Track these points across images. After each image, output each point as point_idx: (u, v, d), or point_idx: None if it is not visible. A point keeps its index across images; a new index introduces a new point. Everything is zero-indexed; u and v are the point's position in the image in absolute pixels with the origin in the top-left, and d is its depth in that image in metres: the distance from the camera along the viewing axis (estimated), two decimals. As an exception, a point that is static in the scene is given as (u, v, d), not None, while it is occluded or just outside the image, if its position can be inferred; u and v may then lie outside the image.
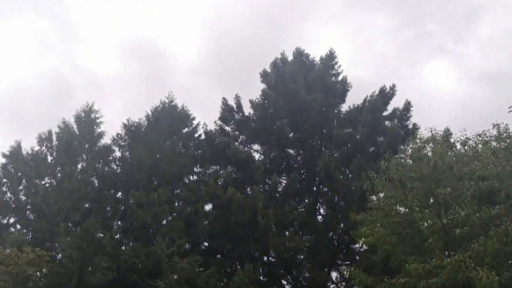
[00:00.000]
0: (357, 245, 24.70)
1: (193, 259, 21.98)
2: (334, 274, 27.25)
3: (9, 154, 25.76)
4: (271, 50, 69.89)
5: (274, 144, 28.85)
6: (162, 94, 43.39)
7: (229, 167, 28.35)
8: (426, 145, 15.25)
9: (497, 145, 13.84)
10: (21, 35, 66.63)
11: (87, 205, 25.51)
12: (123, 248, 24.11)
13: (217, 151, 27.57)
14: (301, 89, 28.06)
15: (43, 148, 26.52)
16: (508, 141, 13.67)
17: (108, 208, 25.74)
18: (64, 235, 21.96)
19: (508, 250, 12.31)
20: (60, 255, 22.59)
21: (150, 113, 28.60)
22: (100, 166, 26.85)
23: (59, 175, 25.94)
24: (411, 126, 27.63)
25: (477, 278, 11.68)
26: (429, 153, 14.91)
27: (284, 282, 26.99)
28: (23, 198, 25.56)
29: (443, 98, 60.37)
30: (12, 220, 25.33)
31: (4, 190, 25.42)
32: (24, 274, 18.37)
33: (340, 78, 29.87)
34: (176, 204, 26.72)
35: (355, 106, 29.13)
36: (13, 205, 25.30)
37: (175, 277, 21.24)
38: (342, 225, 25.74)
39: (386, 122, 27.81)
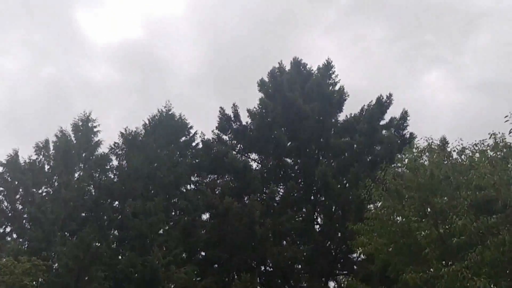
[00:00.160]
0: (354, 255, 24.67)
1: (190, 269, 21.92)
2: (331, 284, 27.25)
3: (6, 163, 25.71)
4: (269, 60, 70.15)
5: (271, 153, 28.89)
6: (159, 103, 43.54)
7: (226, 176, 28.36)
8: (422, 154, 15.27)
9: (494, 154, 13.84)
10: (19, 43, 66.81)
11: (83, 214, 25.39)
12: (120, 257, 23.92)
13: (215, 160, 27.59)
14: (299, 98, 28.15)
15: (40, 157, 26.51)
16: (504, 150, 13.68)
17: (105, 217, 25.64)
18: (61, 244, 21.83)
19: (505, 260, 12.29)
20: (56, 264, 22.41)
21: (147, 122, 28.68)
22: (97, 175, 26.83)
23: (56, 184, 25.91)
24: (408, 135, 27.78)
25: (475, 288, 11.66)
26: (426, 163, 14.93)
27: (281, 291, 26.90)
28: (20, 207, 25.49)
29: (439, 108, 60.76)
30: (8, 229, 25.27)
31: (1, 198, 25.39)
32: (20, 283, 18.17)
33: (337, 87, 30.07)
34: (173, 213, 26.65)
35: (352, 115, 29.27)
36: (10, 214, 25.25)
37: (172, 286, 21.21)
38: (339, 234, 25.73)
39: (383, 131, 27.94)
